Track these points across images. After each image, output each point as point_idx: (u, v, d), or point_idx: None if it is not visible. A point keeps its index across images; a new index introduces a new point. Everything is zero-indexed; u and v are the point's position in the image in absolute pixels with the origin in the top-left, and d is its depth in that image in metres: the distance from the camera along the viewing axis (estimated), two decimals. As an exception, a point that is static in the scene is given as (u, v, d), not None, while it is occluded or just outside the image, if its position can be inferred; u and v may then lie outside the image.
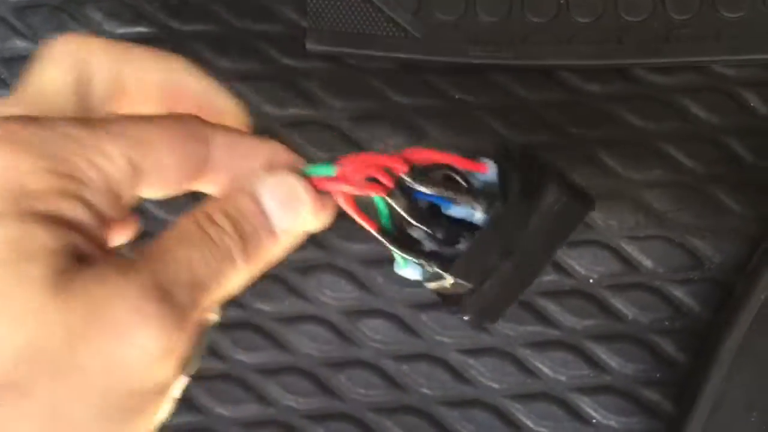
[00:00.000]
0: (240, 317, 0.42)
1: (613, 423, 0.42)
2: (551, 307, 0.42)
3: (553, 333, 0.42)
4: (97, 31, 0.43)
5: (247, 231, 0.28)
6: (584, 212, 0.32)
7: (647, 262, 0.43)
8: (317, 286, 0.42)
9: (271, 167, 0.29)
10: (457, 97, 0.43)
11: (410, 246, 0.31)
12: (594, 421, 0.42)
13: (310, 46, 0.43)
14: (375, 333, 0.42)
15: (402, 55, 0.43)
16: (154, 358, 0.25)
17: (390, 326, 0.42)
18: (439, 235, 0.31)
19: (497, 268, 0.31)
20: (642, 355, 0.42)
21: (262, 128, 0.43)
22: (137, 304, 0.24)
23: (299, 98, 0.43)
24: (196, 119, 0.29)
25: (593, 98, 0.43)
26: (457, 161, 0.30)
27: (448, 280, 0.31)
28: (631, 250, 0.42)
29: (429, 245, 0.31)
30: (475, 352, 0.42)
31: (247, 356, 0.42)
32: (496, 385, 0.42)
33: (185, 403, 0.42)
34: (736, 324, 0.40)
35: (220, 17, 0.43)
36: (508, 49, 0.43)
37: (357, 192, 0.29)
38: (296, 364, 0.42)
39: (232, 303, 0.42)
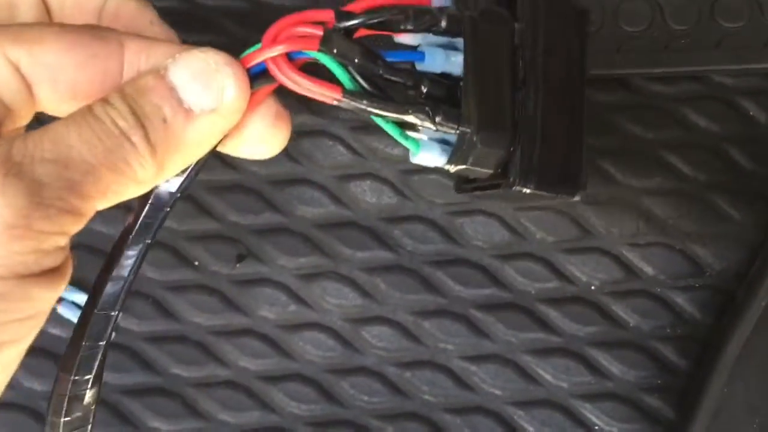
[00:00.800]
0: (244, 324, 0.42)
1: (615, 430, 0.42)
2: (553, 314, 0.43)
3: (554, 340, 0.43)
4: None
5: (147, 110, 0.24)
6: (582, 18, 0.28)
7: (648, 269, 0.43)
8: (321, 293, 0.42)
9: None
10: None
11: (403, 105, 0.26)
12: (596, 427, 0.42)
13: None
14: (378, 340, 0.42)
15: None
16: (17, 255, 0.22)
17: (393, 333, 0.42)
18: (425, 87, 0.26)
19: (518, 105, 0.26)
20: (643, 362, 0.42)
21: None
22: None
23: (304, 108, 0.43)
24: (107, 28, 0.26)
25: (594, 107, 0.44)
26: None
27: (474, 146, 0.26)
28: (632, 257, 0.43)
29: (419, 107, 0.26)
30: (477, 359, 0.42)
31: (250, 363, 0.42)
32: (498, 392, 0.42)
33: (189, 409, 0.42)
34: (736, 331, 0.40)
35: (224, 28, 0.44)
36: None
37: (287, 49, 0.25)
38: (299, 371, 0.42)
39: (236, 310, 0.42)
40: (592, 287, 0.43)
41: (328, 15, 0.25)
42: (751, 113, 0.44)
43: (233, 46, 0.43)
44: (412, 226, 0.43)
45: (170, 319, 0.42)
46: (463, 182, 0.30)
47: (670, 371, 0.42)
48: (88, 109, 0.24)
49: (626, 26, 0.43)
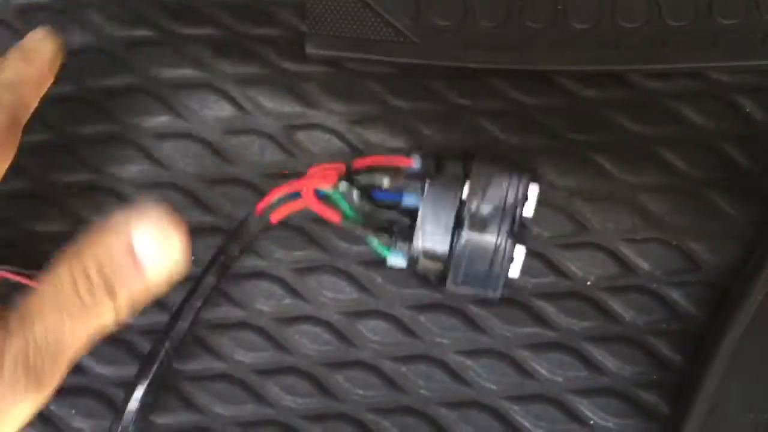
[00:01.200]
0: (239, 317, 0.42)
1: (610, 425, 0.42)
2: (548, 309, 0.43)
3: (550, 335, 0.43)
4: (98, 34, 0.43)
5: (117, 288, 0.30)
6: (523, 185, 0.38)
7: (644, 265, 0.43)
8: (317, 287, 0.42)
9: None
10: (455, 101, 0.44)
11: (379, 230, 0.39)
12: (591, 422, 0.42)
13: (310, 50, 0.43)
14: (374, 334, 0.42)
15: (401, 60, 0.43)
16: (19, 425, 0.29)
17: (389, 327, 0.42)
18: (396, 219, 0.39)
19: (454, 237, 0.37)
20: (639, 357, 0.42)
21: (260, 130, 0.43)
22: (11, 389, 0.28)
23: (298, 102, 0.43)
24: None
25: (590, 103, 0.44)
26: (391, 160, 0.39)
27: (421, 256, 0.38)
28: (627, 252, 0.43)
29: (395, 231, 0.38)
30: (473, 353, 0.42)
31: (245, 356, 0.42)
32: (493, 387, 0.42)
33: (184, 402, 0.42)
34: (732, 326, 0.40)
35: (220, 21, 0.44)
36: (505, 54, 0.43)
37: (315, 184, 0.38)
38: (295, 364, 0.42)
39: (232, 303, 0.42)
40: (588, 282, 0.43)
41: (340, 167, 0.39)
42: (747, 110, 0.44)
43: (230, 39, 0.43)
44: (408, 220, 0.42)
45: (165, 312, 0.42)
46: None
47: (666, 366, 0.42)
48: (73, 287, 0.30)
49: (623, 22, 0.43)
